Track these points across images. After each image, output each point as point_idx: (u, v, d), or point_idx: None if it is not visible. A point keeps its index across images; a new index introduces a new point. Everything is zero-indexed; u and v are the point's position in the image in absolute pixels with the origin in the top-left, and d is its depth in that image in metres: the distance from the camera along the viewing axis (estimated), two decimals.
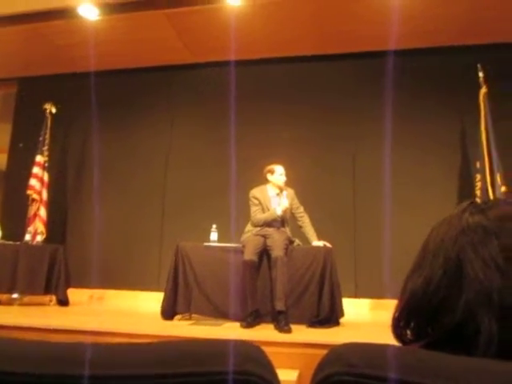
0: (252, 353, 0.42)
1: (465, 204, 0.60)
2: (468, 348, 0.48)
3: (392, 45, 5.02)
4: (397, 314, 0.59)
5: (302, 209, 4.01)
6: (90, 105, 5.73)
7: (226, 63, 5.50)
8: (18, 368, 0.41)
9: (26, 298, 4.85)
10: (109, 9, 4.77)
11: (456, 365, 0.39)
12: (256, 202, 3.88)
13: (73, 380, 0.39)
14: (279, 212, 3.79)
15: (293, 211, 3.95)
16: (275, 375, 0.43)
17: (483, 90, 4.54)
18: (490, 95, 4.52)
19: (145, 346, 0.42)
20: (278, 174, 3.91)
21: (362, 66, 5.42)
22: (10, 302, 4.71)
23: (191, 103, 5.79)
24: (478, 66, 4.60)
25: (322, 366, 0.44)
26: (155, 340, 0.45)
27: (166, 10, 4.73)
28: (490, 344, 0.46)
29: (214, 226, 4.16)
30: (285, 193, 3.87)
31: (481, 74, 4.58)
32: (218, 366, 0.40)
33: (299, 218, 3.98)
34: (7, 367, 0.41)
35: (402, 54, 5.14)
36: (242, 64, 5.32)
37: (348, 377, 0.40)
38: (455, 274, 0.53)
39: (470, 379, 0.36)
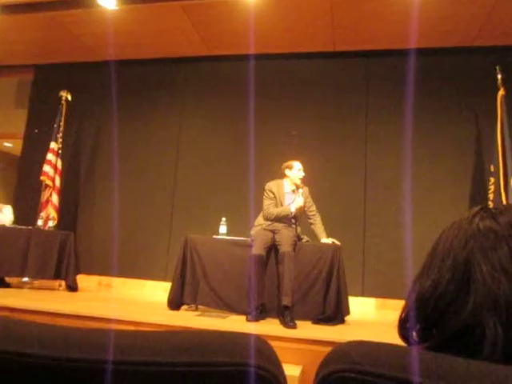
0: (263, 348, 0.43)
1: (476, 208, 0.60)
2: (473, 351, 0.48)
3: (408, 44, 4.97)
4: (403, 315, 0.59)
5: (314, 207, 4.02)
6: (105, 94, 5.78)
7: (240, 57, 5.50)
8: (45, 351, 0.42)
9: (36, 282, 4.93)
10: None
11: (459, 367, 0.39)
12: (271, 195, 3.89)
13: (97, 364, 0.41)
14: (293, 209, 3.80)
15: (305, 209, 3.95)
16: (282, 372, 0.44)
17: (501, 92, 4.47)
18: (507, 98, 4.45)
19: (161, 334, 0.44)
20: (296, 169, 3.92)
21: (377, 65, 5.37)
22: (21, 286, 4.79)
23: (204, 96, 5.80)
24: (497, 67, 4.54)
25: (326, 362, 0.44)
26: (161, 329, 0.46)
27: (183, 2, 4.72)
28: (495, 348, 0.46)
29: (224, 219, 4.17)
30: (300, 191, 3.88)
31: (499, 76, 4.51)
32: (232, 358, 0.41)
33: (311, 217, 3.98)
34: (34, 350, 0.43)
35: (417, 53, 5.08)
36: (256, 58, 5.30)
37: (352, 374, 0.41)
38: (463, 277, 0.53)
39: (473, 382, 0.37)
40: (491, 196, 4.33)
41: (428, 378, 0.38)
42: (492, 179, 4.37)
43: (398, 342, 0.57)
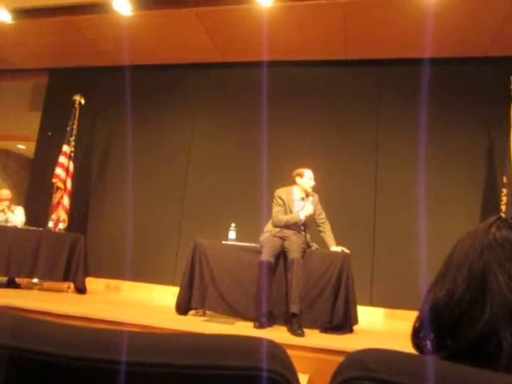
0: (279, 353, 0.43)
1: (492, 218, 0.60)
2: (489, 362, 0.47)
3: (420, 53, 4.96)
4: (417, 325, 0.58)
5: (324, 215, 4.00)
6: (118, 98, 5.84)
7: (252, 64, 5.53)
8: (61, 350, 0.43)
9: (46, 284, 4.96)
10: (141, 5, 4.85)
11: (476, 377, 0.39)
12: (280, 202, 3.88)
13: (112, 365, 0.41)
14: (302, 217, 3.78)
15: (315, 217, 3.93)
16: (296, 377, 0.44)
17: None
18: None
19: (176, 337, 0.44)
20: (307, 177, 3.90)
21: (388, 73, 5.36)
22: (30, 287, 4.83)
23: (216, 102, 5.83)
24: (510, 78, 4.51)
25: (340, 369, 0.44)
26: None
27: (197, 9, 4.77)
28: None
29: (233, 224, 4.17)
30: (310, 198, 3.86)
31: None
32: (247, 362, 0.41)
33: (320, 224, 3.96)
34: (49, 348, 0.43)
35: (430, 62, 5.06)
36: (268, 65, 5.33)
37: (366, 381, 0.41)
38: (479, 287, 0.52)
39: None
40: (503, 207, 4.29)
41: None
42: (504, 190, 4.33)
43: (408, 351, 0.56)
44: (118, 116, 5.97)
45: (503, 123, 4.50)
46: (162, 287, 5.29)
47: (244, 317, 3.71)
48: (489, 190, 4.80)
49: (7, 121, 6.58)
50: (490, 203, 4.69)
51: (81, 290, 4.76)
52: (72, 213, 5.55)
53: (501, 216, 0.59)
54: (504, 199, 4.30)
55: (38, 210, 5.63)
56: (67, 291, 4.89)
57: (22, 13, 5.15)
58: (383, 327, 4.51)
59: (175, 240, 5.51)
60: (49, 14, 5.10)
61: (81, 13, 5.02)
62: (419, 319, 0.58)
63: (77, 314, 3.18)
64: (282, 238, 3.74)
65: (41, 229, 4.90)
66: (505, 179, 4.36)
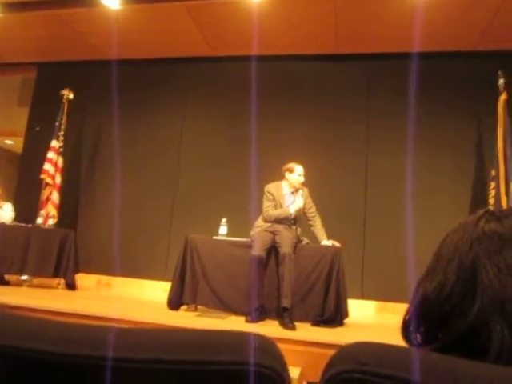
0: (269, 347, 0.43)
1: (480, 211, 0.60)
2: (479, 354, 0.48)
3: (410, 47, 4.97)
4: (407, 317, 0.59)
5: (314, 209, 4.00)
6: (107, 93, 5.77)
7: (243, 58, 5.50)
8: (51, 347, 0.42)
9: (35, 280, 4.92)
10: None
11: (468, 369, 0.39)
12: (270, 197, 3.88)
13: (102, 361, 0.41)
14: (292, 211, 3.79)
15: (305, 210, 3.93)
16: (287, 371, 0.44)
17: (503, 96, 4.47)
18: (509, 103, 4.45)
19: (166, 332, 0.44)
20: (296, 174, 3.89)
21: (379, 68, 5.37)
22: (20, 283, 4.79)
23: (206, 97, 5.80)
24: (499, 72, 4.54)
25: (332, 362, 0.44)
26: None
27: (187, 2, 4.73)
28: (502, 351, 0.46)
29: (224, 219, 4.17)
30: (300, 192, 3.86)
31: (501, 81, 4.51)
32: (237, 357, 0.41)
33: (311, 218, 3.97)
34: (39, 345, 0.42)
35: (420, 56, 5.07)
36: (259, 60, 5.30)
37: (358, 374, 0.41)
38: (469, 280, 0.53)
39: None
40: (491, 200, 4.33)
41: (435, 379, 0.38)
42: (493, 184, 4.37)
43: (399, 344, 0.57)
44: (107, 110, 5.91)
45: (492, 117, 4.54)
46: (153, 283, 5.28)
47: (235, 311, 3.71)
48: (478, 183, 4.84)
49: None
50: (479, 196, 4.73)
51: (71, 286, 4.73)
52: (62, 208, 5.50)
53: (489, 209, 0.60)
54: (492, 192, 4.35)
55: (26, 206, 5.57)
56: (57, 288, 4.85)
57: (8, 6, 5.06)
58: (375, 320, 4.54)
59: (166, 235, 5.49)
60: (36, 7, 5.02)
61: (69, 6, 4.95)
62: (409, 312, 0.59)
63: (67, 311, 3.17)
64: (273, 233, 3.74)
65: (30, 225, 4.85)
66: (493, 172, 4.40)
